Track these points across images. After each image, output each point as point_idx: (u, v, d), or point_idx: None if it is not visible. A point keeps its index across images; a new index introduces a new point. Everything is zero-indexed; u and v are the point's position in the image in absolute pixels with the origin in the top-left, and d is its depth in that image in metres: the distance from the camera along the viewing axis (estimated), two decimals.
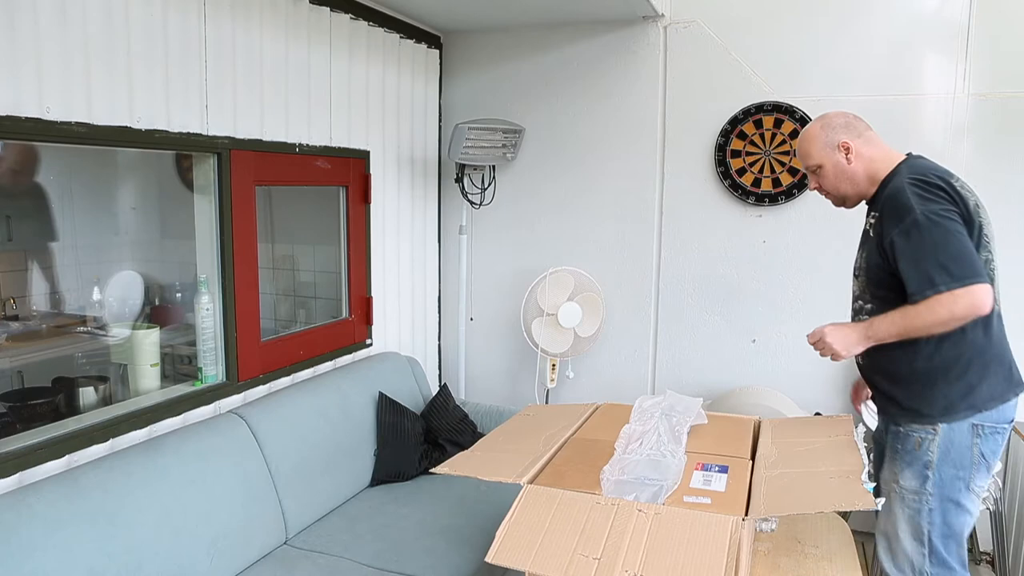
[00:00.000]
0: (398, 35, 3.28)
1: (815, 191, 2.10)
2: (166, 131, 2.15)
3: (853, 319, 2.08)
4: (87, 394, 2.27)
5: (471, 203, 3.65)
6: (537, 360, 3.54)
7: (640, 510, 1.43)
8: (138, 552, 1.83)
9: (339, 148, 2.94)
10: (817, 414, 3.15)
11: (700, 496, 1.51)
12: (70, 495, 1.76)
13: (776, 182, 3.22)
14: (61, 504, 1.73)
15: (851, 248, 3.18)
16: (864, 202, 2.05)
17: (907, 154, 2.00)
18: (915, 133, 3.05)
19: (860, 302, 2.04)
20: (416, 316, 3.63)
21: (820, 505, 1.46)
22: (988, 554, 3.08)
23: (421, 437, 2.91)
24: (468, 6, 3.17)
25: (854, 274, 2.10)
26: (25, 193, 2.81)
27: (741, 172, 3.27)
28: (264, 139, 2.54)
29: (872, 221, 1.94)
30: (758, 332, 3.34)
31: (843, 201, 2.07)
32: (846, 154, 1.97)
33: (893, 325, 1.81)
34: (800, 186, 3.19)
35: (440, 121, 3.71)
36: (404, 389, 3.05)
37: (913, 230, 1.75)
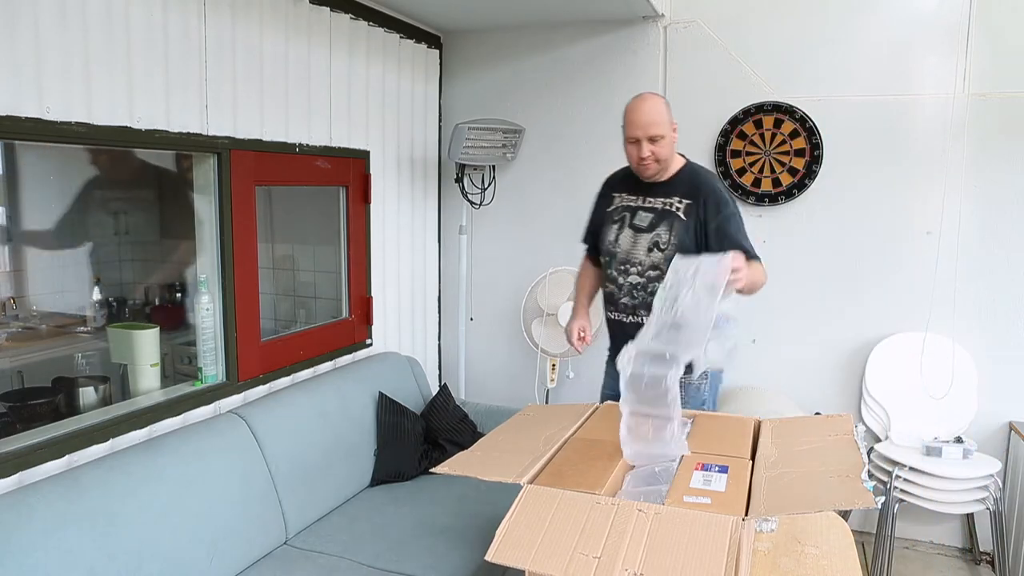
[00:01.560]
0: (398, 35, 3.28)
1: (643, 160, 2.28)
2: (166, 131, 2.15)
3: (639, 288, 2.36)
4: (87, 394, 2.27)
5: (471, 203, 3.65)
6: (537, 360, 3.54)
7: (640, 510, 1.43)
8: (138, 552, 1.82)
9: (339, 148, 2.94)
10: (817, 414, 3.15)
11: (700, 496, 1.51)
12: (70, 495, 1.76)
13: (776, 182, 3.22)
14: (61, 504, 1.73)
15: (851, 248, 3.20)
16: (634, 179, 2.39)
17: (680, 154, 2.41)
18: (914, 133, 3.06)
19: (655, 272, 2.32)
20: (416, 316, 3.63)
21: (820, 505, 1.45)
22: (988, 554, 3.08)
23: (421, 437, 2.90)
24: (468, 6, 3.18)
25: (654, 247, 2.33)
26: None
27: (741, 172, 3.27)
28: (264, 139, 2.54)
29: (680, 206, 2.31)
30: (758, 332, 3.33)
31: (657, 173, 2.34)
32: (674, 133, 2.31)
33: (754, 276, 2.08)
34: (800, 186, 3.19)
35: (440, 121, 3.71)
36: (404, 389, 3.05)
37: (733, 218, 2.29)
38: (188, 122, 2.23)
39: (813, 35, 3.14)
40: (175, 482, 1.99)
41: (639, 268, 2.36)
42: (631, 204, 2.41)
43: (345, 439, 2.66)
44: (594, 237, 2.53)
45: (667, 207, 2.34)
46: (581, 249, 2.65)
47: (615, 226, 2.42)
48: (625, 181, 2.47)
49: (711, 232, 2.28)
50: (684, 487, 1.56)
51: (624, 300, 2.39)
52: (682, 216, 2.31)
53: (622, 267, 2.38)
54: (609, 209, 2.46)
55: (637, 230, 2.37)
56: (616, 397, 2.29)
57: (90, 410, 2.16)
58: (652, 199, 2.37)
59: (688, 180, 2.36)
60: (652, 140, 2.24)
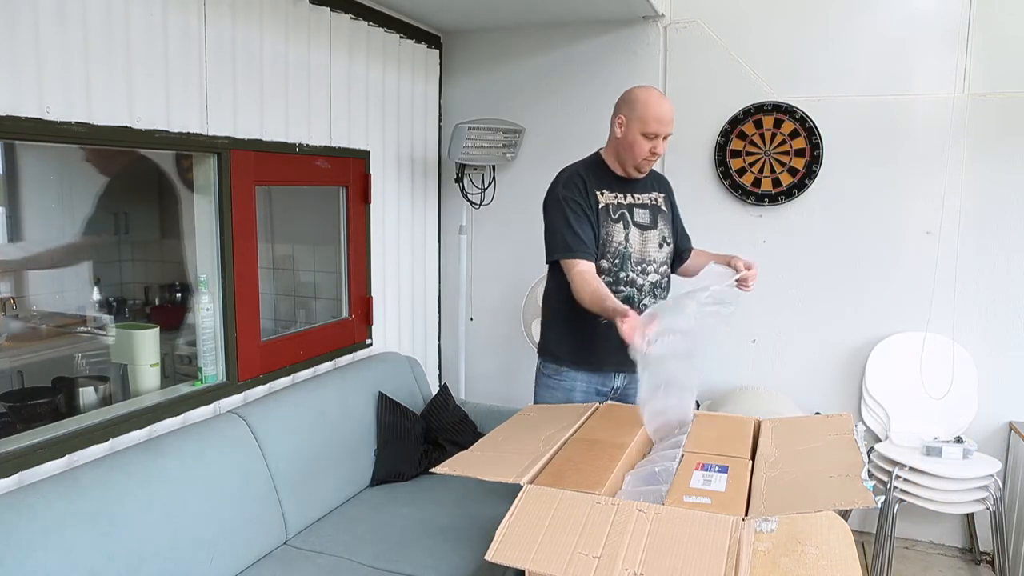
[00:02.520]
0: (398, 35, 3.28)
1: (654, 156, 2.25)
2: (166, 131, 2.15)
3: (659, 287, 2.35)
4: (87, 394, 2.27)
5: (471, 203, 3.65)
6: (537, 360, 3.53)
7: (640, 510, 1.43)
8: (138, 552, 1.82)
9: (339, 148, 2.94)
10: (817, 414, 3.15)
11: (700, 496, 1.51)
12: (70, 495, 1.76)
13: (776, 182, 3.22)
14: (61, 504, 1.73)
15: (851, 248, 3.21)
16: (608, 176, 2.33)
17: None
18: (914, 132, 3.06)
19: (665, 268, 2.38)
20: (416, 316, 3.63)
21: (820, 505, 1.45)
22: (988, 554, 3.08)
23: (421, 437, 2.90)
24: (468, 6, 3.18)
25: (663, 242, 2.36)
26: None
27: (741, 172, 3.27)
28: (264, 139, 2.54)
29: (659, 199, 2.39)
30: (758, 332, 3.34)
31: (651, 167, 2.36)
32: None
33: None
34: (800, 186, 3.19)
35: (440, 121, 3.71)
36: (404, 389, 3.05)
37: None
38: (188, 122, 2.23)
39: (813, 35, 3.14)
40: (175, 482, 1.99)
41: (655, 266, 2.31)
42: (623, 202, 2.29)
43: (345, 439, 2.66)
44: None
45: (654, 202, 2.37)
46: (577, 263, 2.21)
47: (619, 225, 2.25)
48: (598, 178, 2.28)
49: (678, 222, 2.48)
50: (684, 487, 1.56)
51: (646, 301, 2.27)
52: (665, 209, 2.40)
53: (639, 267, 2.27)
54: (600, 207, 2.25)
55: (642, 228, 2.30)
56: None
57: (90, 410, 2.16)
58: (639, 195, 2.34)
59: (651, 175, 2.43)
60: (664, 138, 2.21)
